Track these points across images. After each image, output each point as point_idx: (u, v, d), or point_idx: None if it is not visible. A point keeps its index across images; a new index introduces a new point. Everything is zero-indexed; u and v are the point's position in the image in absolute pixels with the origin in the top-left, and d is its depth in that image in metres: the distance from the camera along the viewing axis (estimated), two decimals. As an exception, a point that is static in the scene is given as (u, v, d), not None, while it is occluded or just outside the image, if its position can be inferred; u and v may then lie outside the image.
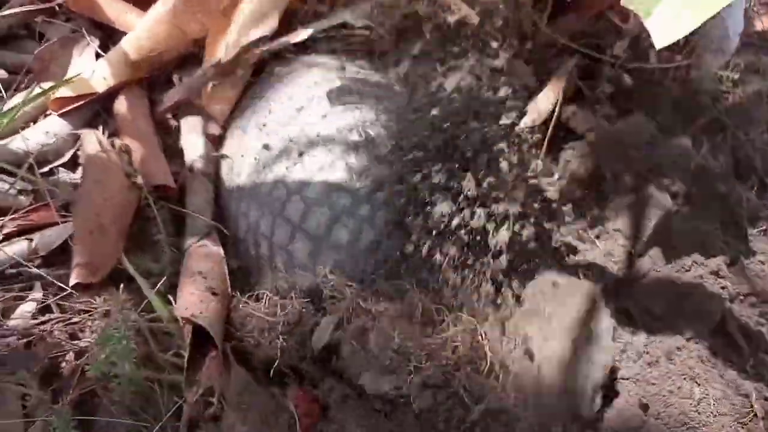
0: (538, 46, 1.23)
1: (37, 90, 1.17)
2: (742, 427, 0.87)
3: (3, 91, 1.24)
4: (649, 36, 0.68)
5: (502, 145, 1.05)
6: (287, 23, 1.25)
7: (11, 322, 0.99)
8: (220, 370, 0.93)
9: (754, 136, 1.16)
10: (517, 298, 0.98)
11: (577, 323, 0.92)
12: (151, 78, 1.31)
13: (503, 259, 0.99)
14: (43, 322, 0.99)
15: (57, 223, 1.09)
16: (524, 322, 0.95)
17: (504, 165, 1.03)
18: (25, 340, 0.97)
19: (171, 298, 1.00)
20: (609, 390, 0.91)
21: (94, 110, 1.28)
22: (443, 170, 1.00)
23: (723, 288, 0.96)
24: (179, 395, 0.93)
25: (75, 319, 1.00)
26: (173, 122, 1.28)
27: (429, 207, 0.99)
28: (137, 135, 1.19)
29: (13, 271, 1.05)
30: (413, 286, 0.97)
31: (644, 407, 0.87)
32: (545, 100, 1.14)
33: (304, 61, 1.21)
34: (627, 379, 0.89)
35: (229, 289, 1.03)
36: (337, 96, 1.08)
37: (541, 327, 0.93)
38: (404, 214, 0.99)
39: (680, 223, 1.02)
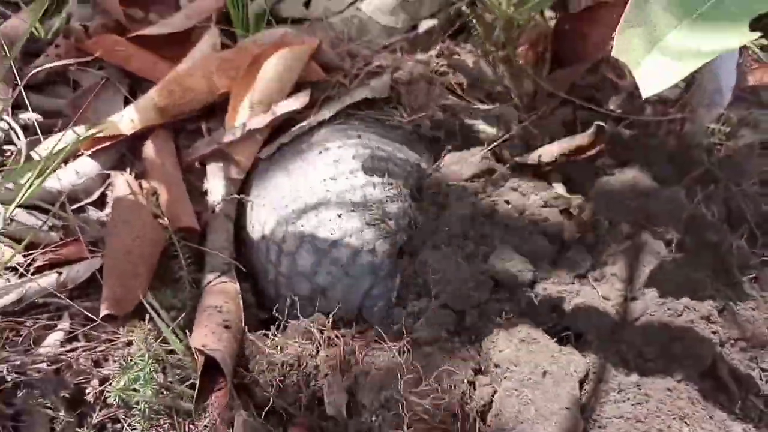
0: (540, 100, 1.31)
1: (70, 133, 1.26)
2: (731, 467, 0.90)
3: (40, 134, 1.33)
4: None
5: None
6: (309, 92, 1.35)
7: (41, 350, 1.04)
8: (227, 400, 0.98)
9: (746, 187, 1.19)
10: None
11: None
12: (177, 123, 1.40)
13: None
14: (70, 350, 1.05)
15: (85, 258, 1.16)
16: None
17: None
18: (54, 367, 1.02)
19: (188, 332, 1.05)
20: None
21: (121, 152, 1.36)
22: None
23: (714, 332, 0.98)
24: (193, 422, 0.97)
25: (100, 348, 1.05)
26: (198, 164, 1.36)
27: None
28: (164, 179, 1.27)
29: (44, 301, 1.11)
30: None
31: (634, 445, 0.90)
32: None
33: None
34: (619, 417, 0.91)
35: (243, 324, 1.07)
36: (371, 166, 1.17)
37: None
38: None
39: (673, 269, 1.05)
